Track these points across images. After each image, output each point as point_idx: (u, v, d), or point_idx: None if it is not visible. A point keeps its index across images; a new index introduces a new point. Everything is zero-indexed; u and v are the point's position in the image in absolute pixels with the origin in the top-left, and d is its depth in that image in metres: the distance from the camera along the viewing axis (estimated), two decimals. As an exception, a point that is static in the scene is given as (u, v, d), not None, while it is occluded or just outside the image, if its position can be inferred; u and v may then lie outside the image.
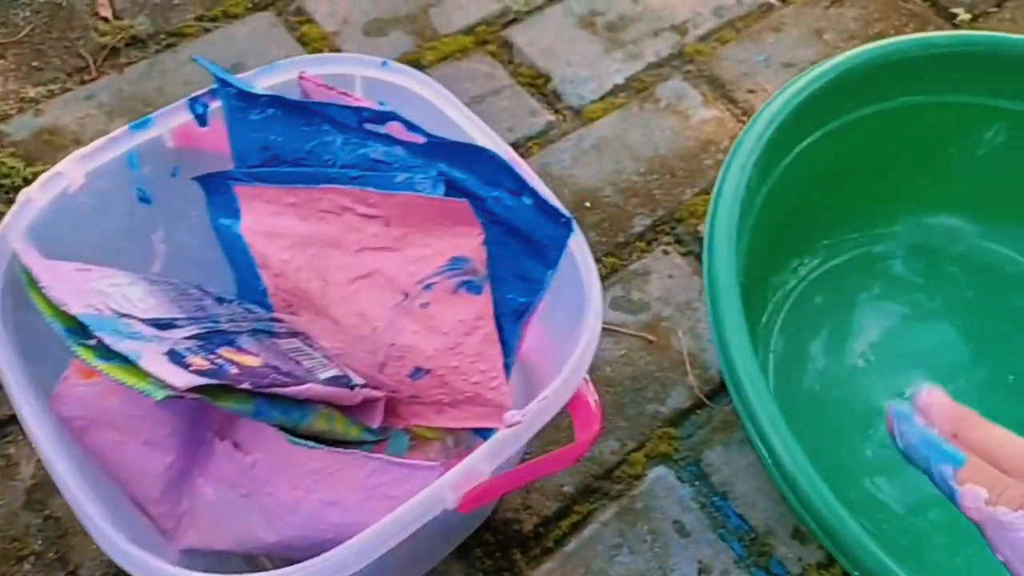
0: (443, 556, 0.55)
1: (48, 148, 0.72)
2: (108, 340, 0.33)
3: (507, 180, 0.39)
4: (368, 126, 0.41)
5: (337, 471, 0.37)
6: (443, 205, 0.39)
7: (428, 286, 0.41)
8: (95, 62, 0.77)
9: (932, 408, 0.31)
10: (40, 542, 0.54)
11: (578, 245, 0.39)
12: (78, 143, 0.72)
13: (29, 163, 0.70)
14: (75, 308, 0.34)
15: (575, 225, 0.39)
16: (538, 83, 0.81)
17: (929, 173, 0.67)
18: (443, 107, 0.44)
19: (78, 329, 0.34)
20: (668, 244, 0.71)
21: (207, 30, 0.81)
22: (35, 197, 0.39)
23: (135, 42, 0.79)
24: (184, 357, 0.34)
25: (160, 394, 0.31)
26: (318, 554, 0.32)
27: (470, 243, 0.39)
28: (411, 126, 0.40)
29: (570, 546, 0.57)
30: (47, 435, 0.34)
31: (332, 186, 0.40)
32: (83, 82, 0.76)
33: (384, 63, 0.45)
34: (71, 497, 0.33)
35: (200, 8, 0.82)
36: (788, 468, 0.42)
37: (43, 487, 0.56)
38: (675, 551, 0.57)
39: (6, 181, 0.69)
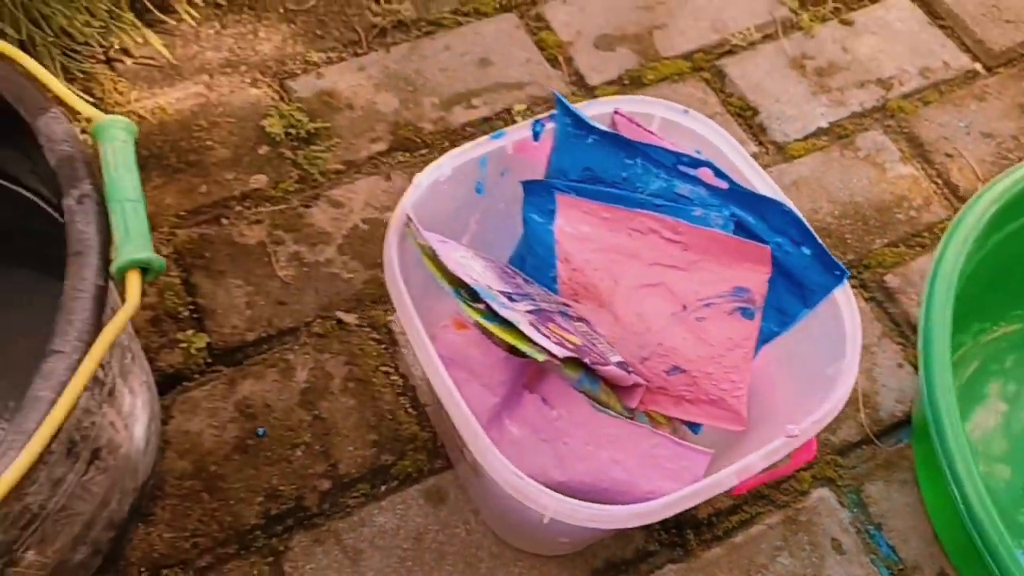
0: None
1: (326, 108, 0.83)
2: (494, 306, 0.43)
3: (793, 231, 0.48)
4: (682, 168, 0.49)
5: (626, 437, 0.46)
6: (743, 245, 0.48)
7: (708, 304, 0.49)
8: (366, 38, 0.88)
9: None
10: (309, 436, 0.66)
11: (846, 297, 0.47)
12: (350, 107, 0.83)
13: (312, 119, 0.82)
14: (463, 276, 0.44)
15: (846, 279, 0.47)
16: (746, 114, 0.89)
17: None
18: (734, 158, 0.52)
19: (463, 292, 0.44)
20: (853, 288, 0.78)
21: (460, 23, 0.91)
22: (421, 181, 0.49)
23: (400, 25, 0.90)
24: (538, 329, 0.44)
25: (541, 357, 0.41)
26: (594, 500, 0.41)
27: (756, 278, 0.48)
28: (719, 173, 0.49)
29: (738, 538, 0.66)
30: (431, 359, 0.44)
31: (647, 211, 0.49)
32: (356, 54, 0.87)
33: (685, 111, 0.54)
34: (452, 405, 0.42)
35: (456, 2, 0.92)
36: (976, 512, 0.50)
37: (314, 390, 0.68)
38: (829, 564, 0.65)
39: (292, 131, 0.81)
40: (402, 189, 0.78)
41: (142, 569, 0.61)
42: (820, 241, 0.47)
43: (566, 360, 0.42)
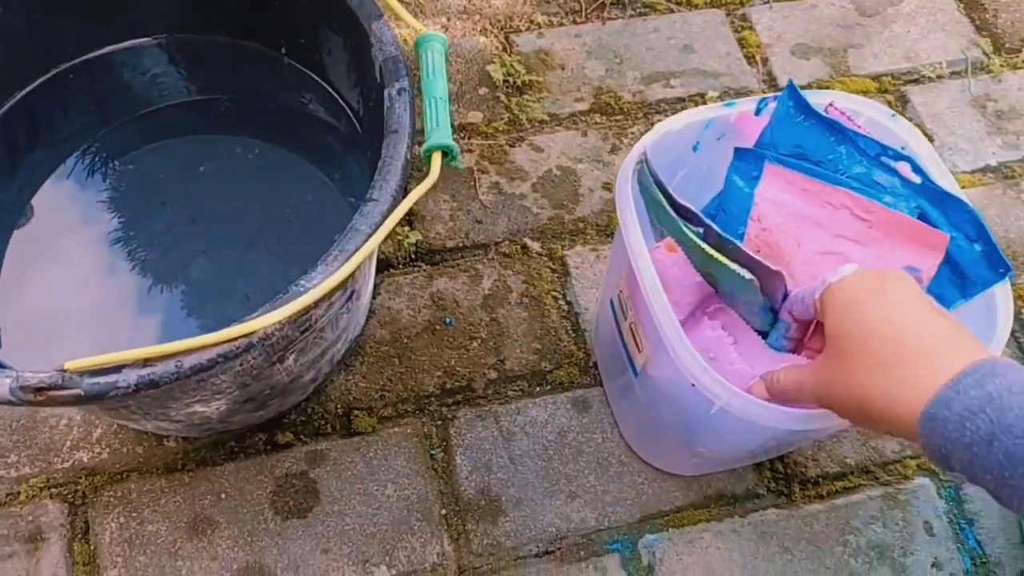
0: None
1: (540, 65, 0.95)
2: (717, 230, 0.52)
3: (970, 228, 0.55)
4: (884, 159, 0.58)
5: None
6: (926, 231, 0.55)
7: None
8: (586, 10, 0.99)
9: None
10: (485, 333, 0.78)
11: (1005, 293, 0.54)
12: (562, 68, 0.95)
13: (528, 71, 0.93)
14: (688, 204, 0.54)
15: (1009, 277, 0.54)
16: (919, 141, 0.94)
17: None
18: (929, 163, 0.59)
19: (685, 218, 0.54)
20: (992, 314, 0.83)
21: (672, 10, 1.00)
22: (659, 128, 0.59)
23: (618, 3, 1.00)
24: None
25: (747, 275, 0.51)
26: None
27: (928, 262, 0.56)
28: (917, 169, 0.57)
29: (839, 500, 0.74)
30: (651, 274, 0.54)
31: (845, 189, 0.58)
32: (575, 23, 0.98)
33: (893, 115, 0.61)
34: (654, 292, 0.52)
35: (671, -10, 1.01)
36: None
37: (495, 298, 0.80)
38: (918, 542, 0.72)
39: (509, 79, 0.93)
40: (595, 145, 0.89)
41: (338, 406, 0.75)
42: (994, 240, 0.55)
43: (775, 272, 0.51)
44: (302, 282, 0.48)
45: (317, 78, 0.70)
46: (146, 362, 0.44)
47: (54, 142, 0.70)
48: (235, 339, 0.45)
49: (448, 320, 0.79)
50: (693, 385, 0.51)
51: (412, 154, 0.53)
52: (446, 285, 0.81)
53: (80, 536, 0.68)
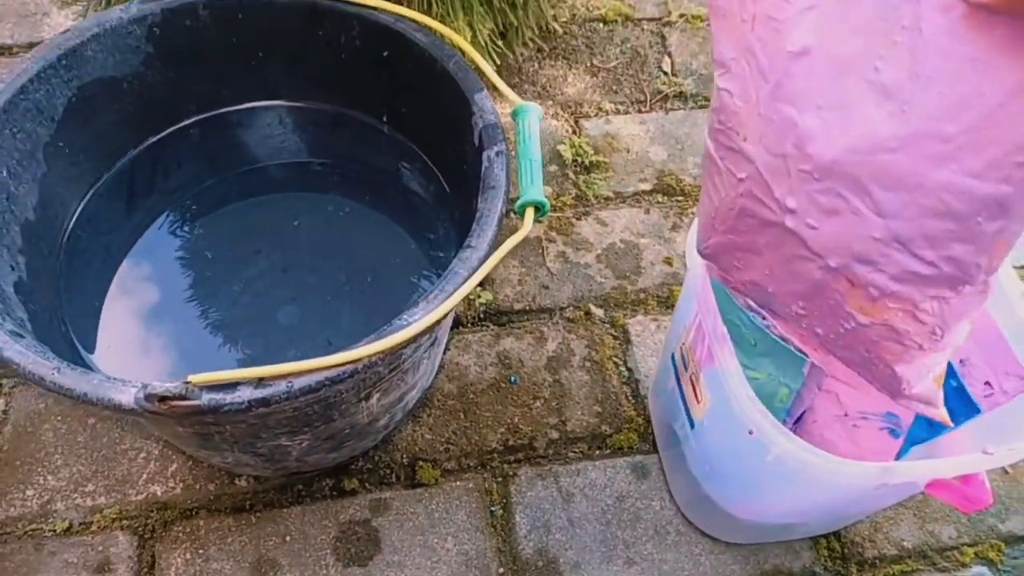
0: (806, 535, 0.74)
1: (607, 147, 1.00)
2: (765, 325, 0.55)
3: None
4: None
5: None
6: None
7: (864, 417, 0.60)
8: (651, 100, 1.05)
9: None
10: (548, 394, 0.81)
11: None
12: (627, 151, 1.00)
13: (595, 153, 0.99)
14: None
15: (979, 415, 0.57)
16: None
17: None
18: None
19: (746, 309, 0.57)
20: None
21: (731, 104, 1.06)
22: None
23: (680, 96, 1.06)
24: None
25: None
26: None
27: (906, 412, 0.59)
28: None
29: (897, 584, 0.73)
30: (717, 319, 0.57)
31: None
32: (640, 111, 1.04)
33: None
34: (725, 357, 0.55)
35: (730, 86, 1.07)
36: None
37: (558, 360, 0.83)
38: (980, 630, 0.71)
39: (578, 159, 0.98)
40: (657, 223, 0.93)
41: (404, 456, 0.77)
42: (962, 380, 0.57)
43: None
44: (405, 317, 0.51)
45: (411, 143, 0.76)
46: (260, 381, 0.48)
47: (167, 189, 0.75)
48: (342, 364, 0.48)
49: (513, 379, 0.82)
50: (751, 432, 0.53)
51: (507, 208, 0.57)
52: (512, 345, 0.84)
53: (147, 570, 0.70)
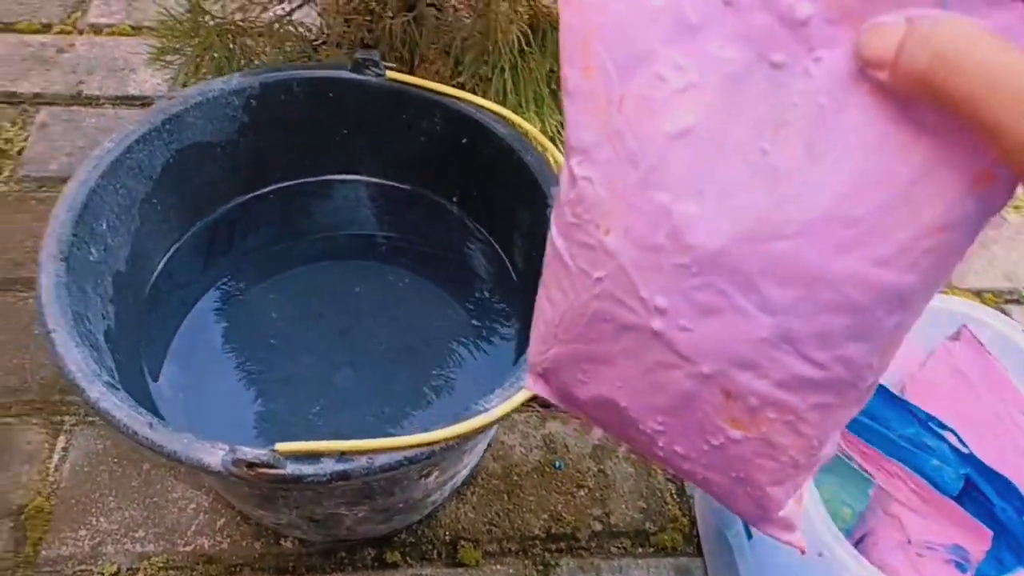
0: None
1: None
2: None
3: (1017, 500, 0.58)
4: (931, 425, 0.62)
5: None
6: (969, 521, 0.58)
7: (929, 547, 0.60)
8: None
9: None
10: (593, 483, 0.81)
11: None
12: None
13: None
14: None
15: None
16: None
17: None
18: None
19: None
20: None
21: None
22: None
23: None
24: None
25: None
26: None
27: (977, 547, 0.58)
28: (962, 442, 0.61)
29: None
30: None
31: (898, 463, 0.61)
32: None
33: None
34: None
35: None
36: None
37: (604, 449, 0.83)
38: None
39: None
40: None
41: (447, 533, 0.77)
42: None
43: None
44: (482, 403, 0.53)
45: (479, 225, 0.79)
46: (342, 455, 0.49)
47: (243, 248, 0.78)
48: (421, 445, 0.50)
49: (558, 464, 0.82)
50: (821, 554, 0.53)
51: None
52: (558, 429, 0.85)
53: (185, 623, 0.70)
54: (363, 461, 0.49)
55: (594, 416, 0.37)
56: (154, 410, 0.65)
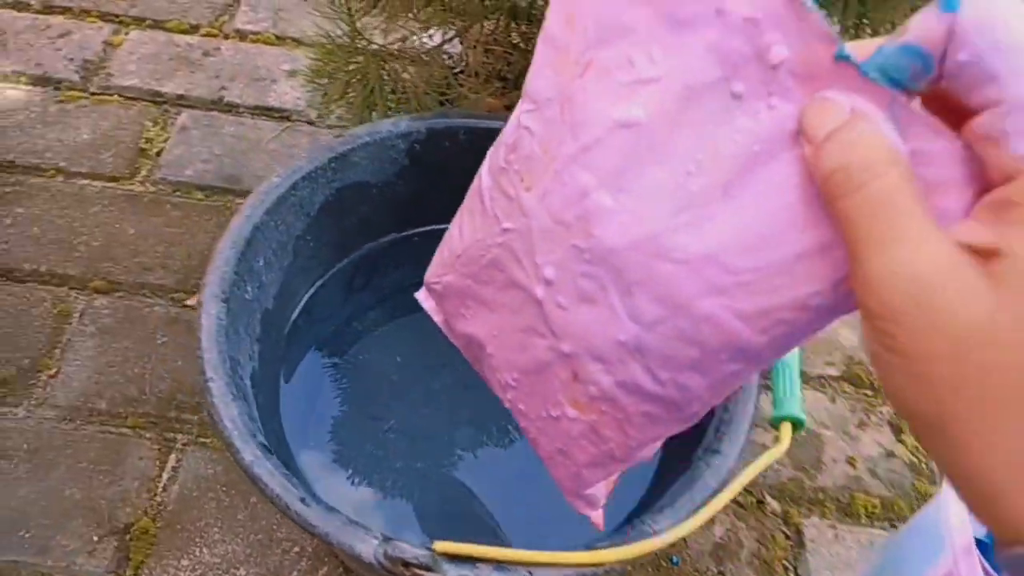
0: None
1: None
2: None
3: None
4: None
5: None
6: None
7: None
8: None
9: None
10: None
11: None
12: (819, 333, 0.96)
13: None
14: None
15: None
16: None
17: None
18: None
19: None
20: None
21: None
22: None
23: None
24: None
25: None
26: None
27: None
28: None
29: None
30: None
31: None
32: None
33: None
34: None
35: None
36: None
37: (725, 549, 0.78)
38: None
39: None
40: (842, 415, 0.88)
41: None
42: None
43: None
44: (649, 522, 0.48)
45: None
46: (499, 563, 0.45)
47: (379, 286, 0.76)
48: (583, 565, 0.46)
49: (675, 559, 0.77)
50: None
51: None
52: (678, 519, 0.80)
53: (276, 672, 0.68)
54: (521, 572, 0.45)
55: (464, 349, 0.41)
56: (288, 454, 0.63)
